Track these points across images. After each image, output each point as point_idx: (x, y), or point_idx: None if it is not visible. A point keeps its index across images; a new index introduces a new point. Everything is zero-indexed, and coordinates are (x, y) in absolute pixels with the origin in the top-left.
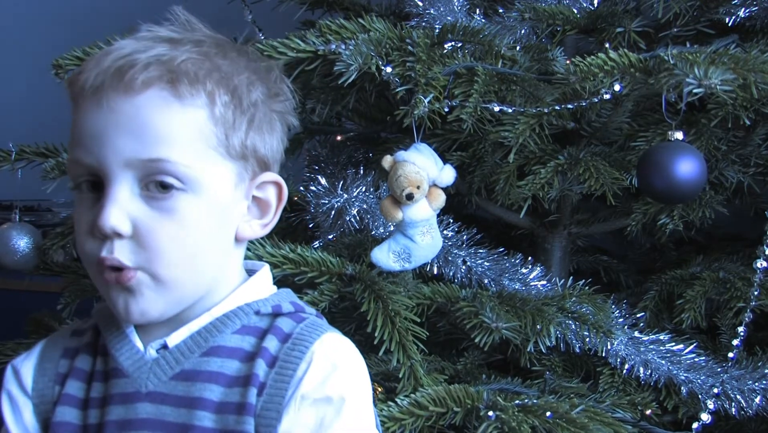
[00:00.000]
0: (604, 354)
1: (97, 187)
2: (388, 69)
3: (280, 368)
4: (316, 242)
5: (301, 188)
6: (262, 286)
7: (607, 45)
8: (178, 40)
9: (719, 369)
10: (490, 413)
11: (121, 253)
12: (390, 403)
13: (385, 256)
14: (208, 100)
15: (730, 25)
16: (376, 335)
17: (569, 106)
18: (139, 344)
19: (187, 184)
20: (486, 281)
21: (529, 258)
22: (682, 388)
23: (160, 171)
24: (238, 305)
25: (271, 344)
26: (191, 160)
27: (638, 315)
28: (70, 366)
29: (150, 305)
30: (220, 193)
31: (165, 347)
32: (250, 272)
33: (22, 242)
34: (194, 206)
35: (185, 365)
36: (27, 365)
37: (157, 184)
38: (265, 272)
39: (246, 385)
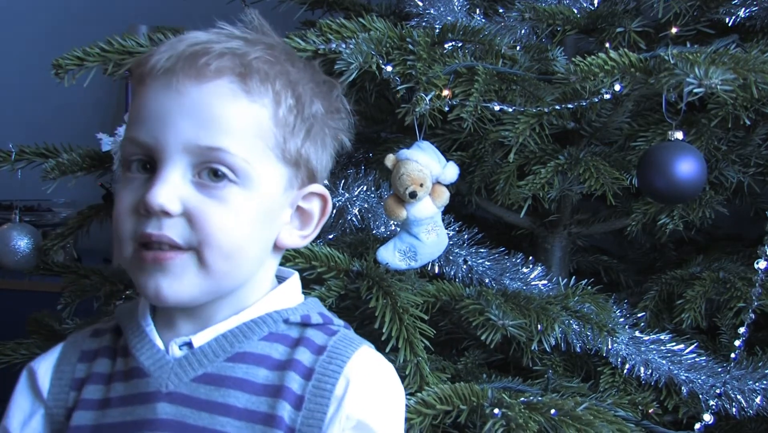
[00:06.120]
0: (605, 354)
1: (149, 168)
2: (389, 68)
3: (317, 381)
4: (317, 242)
5: None
6: (291, 294)
7: (607, 45)
8: (251, 40)
9: (720, 369)
10: (496, 410)
11: (171, 231)
12: None
13: (390, 255)
14: (275, 101)
15: (730, 25)
16: (383, 331)
17: (569, 106)
18: (159, 343)
19: (240, 177)
20: (487, 280)
21: (530, 258)
22: (683, 388)
23: (217, 160)
24: (267, 311)
25: (304, 356)
26: (248, 155)
27: (639, 315)
28: (88, 371)
29: (186, 289)
30: (269, 193)
31: (190, 345)
32: (280, 279)
33: (22, 243)
34: (244, 199)
35: (209, 368)
36: (44, 367)
37: (210, 172)
38: (294, 280)
39: (276, 396)
